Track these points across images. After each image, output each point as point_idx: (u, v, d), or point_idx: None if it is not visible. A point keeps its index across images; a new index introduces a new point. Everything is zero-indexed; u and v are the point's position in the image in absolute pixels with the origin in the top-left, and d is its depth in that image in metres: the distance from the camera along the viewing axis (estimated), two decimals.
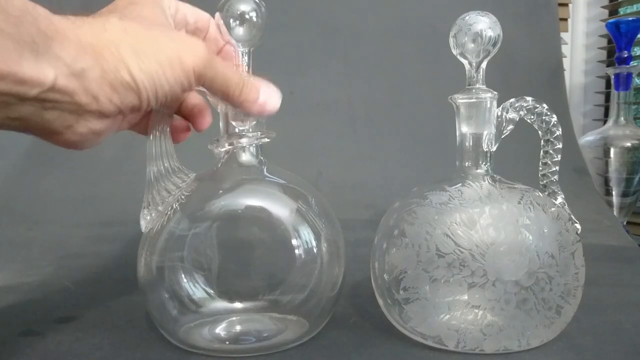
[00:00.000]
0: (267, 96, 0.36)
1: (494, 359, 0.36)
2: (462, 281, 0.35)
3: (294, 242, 0.36)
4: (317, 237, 0.37)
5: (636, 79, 0.93)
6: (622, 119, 0.90)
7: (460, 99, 0.39)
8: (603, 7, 1.15)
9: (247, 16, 0.37)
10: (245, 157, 0.39)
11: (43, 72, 0.26)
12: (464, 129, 0.40)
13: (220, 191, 0.38)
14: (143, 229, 0.38)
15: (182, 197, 0.37)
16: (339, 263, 0.39)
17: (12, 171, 0.84)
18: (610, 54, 1.14)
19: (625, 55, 0.89)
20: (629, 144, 0.88)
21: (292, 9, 0.93)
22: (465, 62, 0.40)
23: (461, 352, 0.37)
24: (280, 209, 0.37)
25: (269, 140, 0.39)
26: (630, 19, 0.88)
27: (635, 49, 0.94)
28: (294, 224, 0.37)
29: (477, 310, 0.36)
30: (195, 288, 0.36)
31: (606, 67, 1.07)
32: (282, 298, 0.37)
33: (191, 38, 0.32)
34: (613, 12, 1.16)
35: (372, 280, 0.41)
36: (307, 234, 0.37)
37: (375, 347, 0.39)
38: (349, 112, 0.93)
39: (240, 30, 0.37)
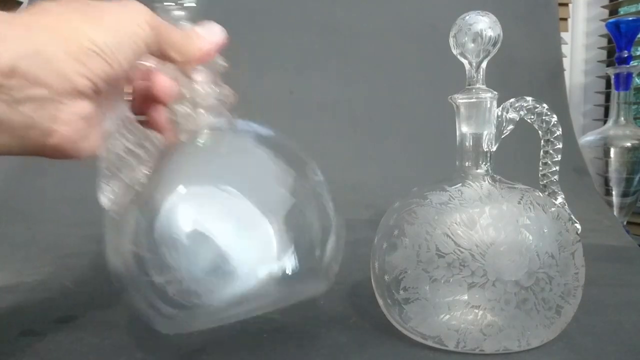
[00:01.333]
0: (207, 30, 0.34)
1: (494, 359, 0.36)
2: (462, 281, 0.35)
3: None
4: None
5: (636, 79, 0.93)
6: (622, 119, 0.90)
7: (461, 99, 0.39)
8: (603, 6, 1.15)
9: None
10: (210, 120, 0.35)
11: None
12: (464, 128, 0.40)
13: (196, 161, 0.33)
14: (105, 205, 0.32)
15: (150, 165, 0.33)
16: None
17: (12, 171, 0.84)
18: (610, 53, 1.14)
19: (626, 55, 0.89)
20: (629, 144, 0.88)
21: (292, 9, 0.93)
22: (465, 62, 0.40)
23: (461, 352, 0.37)
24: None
25: (232, 98, 0.36)
26: (631, 18, 0.88)
27: (635, 49, 0.94)
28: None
29: (477, 311, 0.36)
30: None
31: (606, 67, 1.08)
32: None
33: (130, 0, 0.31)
34: (613, 11, 1.16)
35: (372, 280, 0.41)
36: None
37: (375, 347, 0.39)
38: (349, 112, 0.93)
39: None
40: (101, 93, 0.30)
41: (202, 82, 0.35)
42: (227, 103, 0.36)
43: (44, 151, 0.29)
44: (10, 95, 0.26)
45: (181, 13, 0.35)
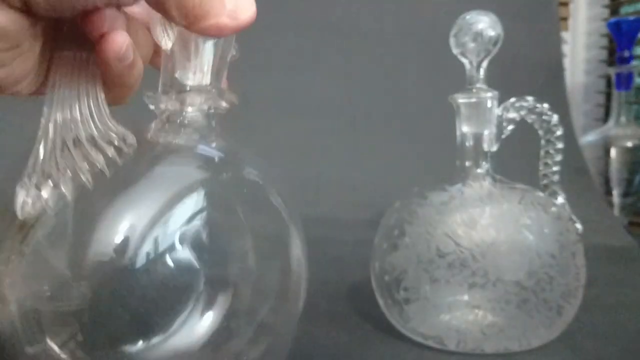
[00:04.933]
0: (236, 2, 0.24)
1: (495, 359, 0.36)
2: (462, 281, 0.35)
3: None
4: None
5: (637, 79, 0.92)
6: (623, 118, 0.90)
7: (461, 99, 0.39)
8: (604, 6, 1.15)
9: None
10: (192, 121, 0.27)
11: None
12: (465, 128, 0.40)
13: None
14: (19, 212, 0.23)
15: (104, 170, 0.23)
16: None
17: (12, 171, 0.84)
18: (611, 53, 1.14)
19: (627, 55, 0.89)
20: (630, 144, 0.88)
21: (292, 9, 0.93)
22: (465, 61, 0.39)
23: (461, 352, 0.37)
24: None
25: (228, 105, 0.28)
26: (632, 18, 0.88)
27: (636, 48, 0.94)
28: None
29: (477, 311, 0.36)
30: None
31: (607, 67, 1.07)
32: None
33: None
34: (614, 11, 1.16)
35: (372, 281, 0.40)
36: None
37: (375, 347, 0.39)
38: (349, 112, 0.93)
39: None
40: (36, 14, 0.21)
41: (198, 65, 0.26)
42: (222, 108, 0.28)
43: None
44: None
45: None
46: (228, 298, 0.24)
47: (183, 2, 0.22)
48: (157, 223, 0.23)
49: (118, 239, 0.22)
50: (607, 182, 0.91)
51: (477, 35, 0.38)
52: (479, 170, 0.40)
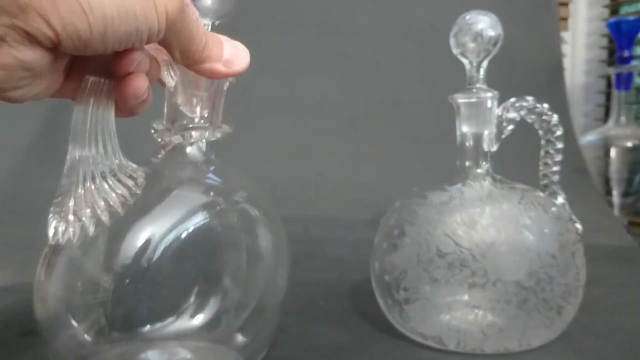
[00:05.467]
0: (233, 52, 0.29)
1: (495, 359, 0.36)
2: (462, 281, 0.35)
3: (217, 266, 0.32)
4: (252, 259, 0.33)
5: (637, 79, 0.92)
6: (623, 118, 0.90)
7: (461, 99, 0.39)
8: (604, 6, 1.15)
9: None
10: (192, 152, 0.33)
11: None
12: (465, 128, 0.40)
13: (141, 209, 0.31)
14: (51, 238, 0.27)
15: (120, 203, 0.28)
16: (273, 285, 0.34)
17: (12, 171, 0.84)
18: (611, 53, 1.14)
19: (627, 55, 0.89)
20: (630, 144, 0.88)
21: (292, 9, 0.93)
22: (465, 61, 0.40)
23: (461, 352, 0.37)
24: (205, 227, 0.32)
25: (221, 135, 0.33)
26: (631, 18, 0.88)
27: (636, 49, 0.94)
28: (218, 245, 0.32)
29: (477, 311, 0.36)
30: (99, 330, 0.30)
31: (607, 67, 1.07)
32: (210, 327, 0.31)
33: None
34: (614, 11, 1.16)
35: (372, 280, 0.40)
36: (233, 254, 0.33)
37: (375, 347, 0.39)
38: (349, 112, 0.93)
39: (207, 0, 0.32)
40: (62, 54, 0.24)
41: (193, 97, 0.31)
42: (217, 135, 0.33)
43: None
44: None
45: (212, 4, 0.31)
46: (221, 293, 0.32)
47: (187, 48, 0.27)
48: (167, 236, 0.30)
49: (136, 248, 0.29)
50: (607, 182, 0.91)
51: (477, 36, 0.38)
52: (479, 170, 0.40)
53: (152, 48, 0.28)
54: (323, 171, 0.86)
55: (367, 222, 0.71)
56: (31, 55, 0.23)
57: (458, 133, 0.40)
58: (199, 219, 0.31)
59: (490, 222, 0.36)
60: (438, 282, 0.36)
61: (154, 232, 0.30)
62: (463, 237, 0.36)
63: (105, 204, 0.27)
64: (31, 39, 0.22)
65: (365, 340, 0.40)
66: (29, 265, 0.66)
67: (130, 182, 0.28)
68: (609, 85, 1.12)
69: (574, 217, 0.40)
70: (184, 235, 0.30)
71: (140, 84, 0.27)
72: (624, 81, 0.88)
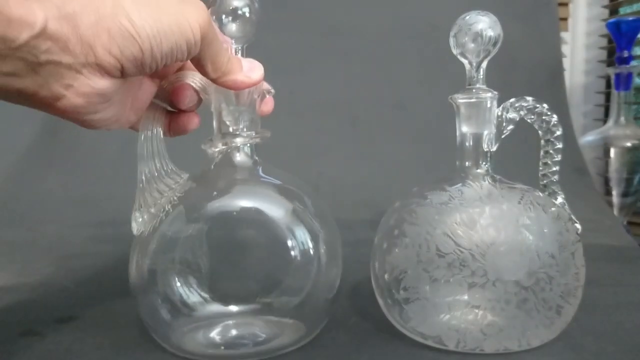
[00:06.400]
0: (250, 66, 0.35)
1: (494, 359, 0.36)
2: (462, 281, 0.35)
3: (290, 243, 0.36)
4: (314, 239, 0.37)
5: (637, 79, 0.93)
6: (623, 118, 0.90)
7: (461, 99, 0.39)
8: (603, 6, 1.15)
9: (239, 12, 0.36)
10: (240, 157, 0.38)
11: (32, 12, 0.24)
12: (464, 128, 0.40)
13: (215, 192, 0.37)
14: (135, 231, 0.37)
15: (175, 198, 0.36)
16: (336, 265, 0.38)
17: (12, 171, 0.84)
18: (610, 53, 1.14)
19: (626, 55, 0.89)
20: (629, 144, 0.88)
21: (293, 9, 0.94)
22: (465, 62, 0.40)
23: (461, 352, 0.37)
24: (275, 210, 0.37)
25: (262, 140, 0.39)
26: (631, 18, 0.88)
27: (635, 49, 0.94)
28: (290, 225, 0.36)
29: (477, 310, 0.36)
30: (188, 292, 0.35)
31: (607, 67, 1.08)
32: (277, 301, 0.36)
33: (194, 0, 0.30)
34: (613, 11, 1.16)
35: (372, 280, 0.41)
36: (303, 235, 0.36)
37: (375, 347, 0.39)
38: (349, 112, 0.93)
39: (233, 27, 0.36)
40: (127, 76, 0.29)
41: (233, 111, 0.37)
42: (259, 138, 0.38)
43: (49, 109, 0.28)
44: (34, 56, 0.25)
45: (236, 32, 0.37)
46: (289, 274, 0.36)
47: (216, 60, 0.32)
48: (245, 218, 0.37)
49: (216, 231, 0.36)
50: (606, 182, 0.91)
51: (477, 36, 0.38)
52: (478, 170, 0.40)
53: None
54: (323, 171, 0.86)
55: (367, 222, 0.71)
56: (103, 83, 0.28)
57: (458, 133, 0.40)
58: (270, 207, 0.37)
59: (490, 222, 0.36)
60: (438, 282, 0.36)
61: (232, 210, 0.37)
62: (463, 237, 0.36)
63: (165, 198, 0.37)
64: (101, 70, 0.27)
65: (365, 340, 0.40)
66: (29, 266, 0.66)
67: (177, 178, 0.38)
68: (608, 85, 1.12)
69: (573, 217, 0.40)
70: (262, 218, 0.36)
71: (193, 120, 0.38)
72: (624, 81, 0.89)
